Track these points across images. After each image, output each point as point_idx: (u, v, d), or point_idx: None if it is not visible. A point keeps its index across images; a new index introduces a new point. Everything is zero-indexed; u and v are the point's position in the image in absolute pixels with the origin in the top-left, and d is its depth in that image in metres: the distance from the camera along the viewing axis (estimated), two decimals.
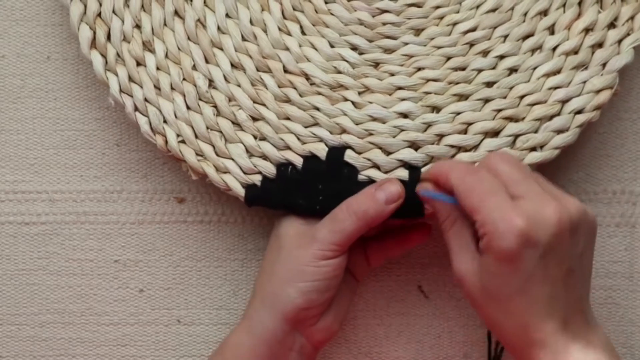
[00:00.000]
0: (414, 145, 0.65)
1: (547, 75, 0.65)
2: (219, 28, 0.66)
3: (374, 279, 0.71)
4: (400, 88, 0.66)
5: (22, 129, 0.71)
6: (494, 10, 0.66)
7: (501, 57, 0.66)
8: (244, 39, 0.66)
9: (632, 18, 0.65)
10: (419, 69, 0.66)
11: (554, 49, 0.66)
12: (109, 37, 0.66)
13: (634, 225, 0.71)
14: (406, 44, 0.66)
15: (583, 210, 0.58)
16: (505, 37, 0.66)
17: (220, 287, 0.72)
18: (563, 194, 0.59)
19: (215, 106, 0.66)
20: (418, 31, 0.66)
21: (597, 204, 0.71)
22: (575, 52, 0.66)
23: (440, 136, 0.65)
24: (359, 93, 0.66)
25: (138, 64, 0.66)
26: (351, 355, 0.72)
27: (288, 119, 0.66)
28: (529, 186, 0.58)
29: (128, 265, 0.71)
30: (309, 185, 0.65)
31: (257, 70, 0.66)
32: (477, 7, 0.66)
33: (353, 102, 0.66)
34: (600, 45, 0.66)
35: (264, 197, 0.65)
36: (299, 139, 0.66)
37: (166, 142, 0.66)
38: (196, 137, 0.66)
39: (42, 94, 0.71)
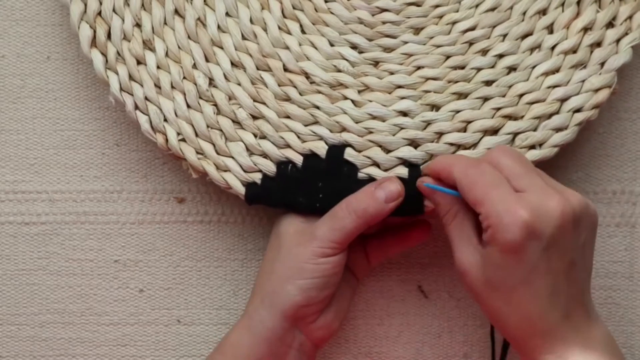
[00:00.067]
0: (414, 143, 0.66)
1: (546, 74, 0.66)
2: (219, 27, 0.66)
3: (374, 279, 0.71)
4: (399, 86, 0.66)
5: (22, 129, 0.71)
6: (493, 9, 0.66)
7: (500, 55, 0.66)
8: (244, 37, 0.66)
9: (630, 17, 0.66)
10: (419, 68, 0.66)
11: (553, 47, 0.66)
12: (109, 36, 0.66)
13: (634, 225, 0.71)
14: (406, 42, 0.66)
15: (585, 203, 0.58)
16: (505, 36, 0.66)
17: (220, 287, 0.72)
18: (565, 187, 0.59)
19: (215, 105, 0.66)
20: (417, 30, 0.67)
21: (597, 204, 0.71)
22: (574, 51, 0.66)
23: (440, 134, 0.65)
24: (359, 91, 0.66)
25: (138, 62, 0.66)
26: (351, 355, 0.72)
27: (288, 117, 0.66)
28: (531, 180, 0.58)
29: (128, 265, 0.71)
30: (309, 183, 0.65)
31: (257, 68, 0.66)
32: (476, 6, 0.66)
33: (353, 101, 0.66)
34: (598, 44, 0.66)
35: (264, 195, 0.66)
36: (299, 137, 0.66)
37: (166, 140, 0.66)
38: (196, 135, 0.66)
39: (42, 94, 0.71)
